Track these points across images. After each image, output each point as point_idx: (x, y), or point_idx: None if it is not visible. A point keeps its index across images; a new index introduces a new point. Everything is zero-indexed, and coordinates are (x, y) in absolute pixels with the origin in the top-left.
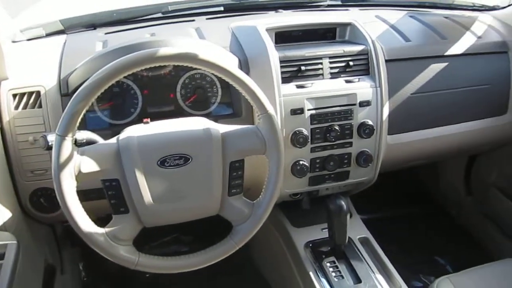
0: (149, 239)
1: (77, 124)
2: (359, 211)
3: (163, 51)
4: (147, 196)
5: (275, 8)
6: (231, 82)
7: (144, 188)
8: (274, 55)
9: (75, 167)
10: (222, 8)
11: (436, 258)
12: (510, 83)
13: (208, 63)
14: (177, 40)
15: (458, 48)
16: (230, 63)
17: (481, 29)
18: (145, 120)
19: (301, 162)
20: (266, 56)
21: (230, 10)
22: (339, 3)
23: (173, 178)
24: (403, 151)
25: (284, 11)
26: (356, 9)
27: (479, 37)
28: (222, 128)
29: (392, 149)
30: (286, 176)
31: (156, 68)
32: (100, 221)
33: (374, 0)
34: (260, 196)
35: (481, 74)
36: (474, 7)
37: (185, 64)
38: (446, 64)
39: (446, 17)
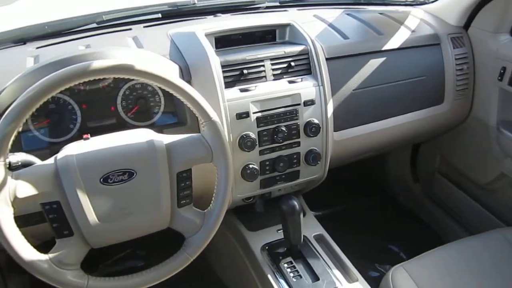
0: (101, 258)
1: (9, 147)
2: (313, 208)
3: (97, 64)
4: (91, 216)
5: (213, 12)
6: (171, 91)
7: (88, 208)
8: (215, 60)
9: (10, 193)
10: (159, 15)
11: (390, 246)
12: (444, 73)
13: (145, 74)
14: (113, 51)
15: (394, 43)
16: (169, 71)
17: (414, 23)
18: (85, 136)
19: (251, 166)
20: (207, 62)
21: (168, 16)
22: (277, 4)
23: (118, 195)
24: (350, 146)
25: (222, 15)
26: (294, 9)
27: (413, 31)
28: (166, 138)
29: (339, 145)
30: (236, 181)
31: (93, 81)
32: (47, 245)
33: (312, 0)
34: (211, 205)
35: (417, 67)
36: (407, 2)
37: (122, 76)
38: (383, 59)
39: (381, 13)
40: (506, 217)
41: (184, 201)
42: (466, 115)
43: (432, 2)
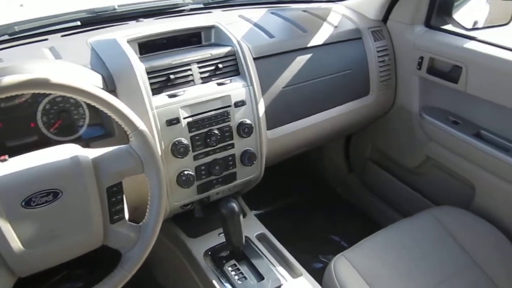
0: (35, 284)
1: None
2: (253, 207)
3: (8, 80)
4: (15, 243)
5: (135, 17)
6: (92, 103)
7: (10, 235)
8: (139, 67)
9: None
10: (78, 23)
11: (332, 236)
12: (368, 66)
13: (62, 87)
14: (27, 65)
15: (318, 39)
16: (88, 82)
17: (336, 19)
18: (1, 157)
19: (186, 172)
20: (130, 69)
21: (88, 24)
22: (202, 6)
23: (44, 218)
24: (284, 143)
25: (145, 20)
26: (219, 10)
27: (336, 27)
28: (92, 153)
29: (273, 143)
30: (172, 189)
31: (9, 97)
32: None
33: (236, 1)
34: (146, 217)
35: (342, 61)
36: None
37: (37, 91)
38: (309, 55)
39: (304, 11)
40: (434, 198)
41: (117, 216)
42: (391, 104)
43: None
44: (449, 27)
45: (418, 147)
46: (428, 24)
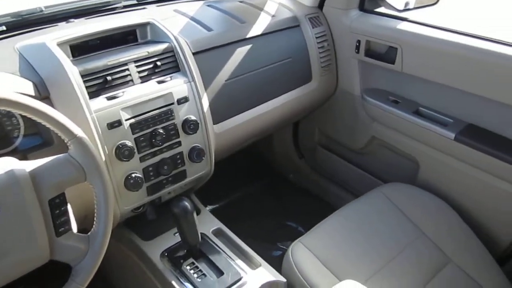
0: None
1: None
2: (208, 203)
3: None
4: None
5: (65, 18)
6: (24, 114)
7: None
8: (72, 70)
9: None
10: (4, 28)
11: (288, 223)
12: (308, 53)
13: None
14: None
15: (257, 29)
16: (15, 91)
17: (273, 8)
18: None
19: (133, 175)
20: (63, 74)
21: (14, 28)
22: (135, 2)
23: None
24: (232, 136)
25: (76, 20)
26: (153, 6)
27: (273, 16)
28: (29, 165)
29: (221, 137)
30: (121, 193)
31: None
32: None
33: None
34: (94, 226)
35: (282, 50)
36: None
37: None
38: (249, 46)
39: (241, 1)
40: (383, 176)
41: (63, 229)
42: (334, 88)
43: None
44: (382, 9)
45: (363, 128)
46: (362, 8)
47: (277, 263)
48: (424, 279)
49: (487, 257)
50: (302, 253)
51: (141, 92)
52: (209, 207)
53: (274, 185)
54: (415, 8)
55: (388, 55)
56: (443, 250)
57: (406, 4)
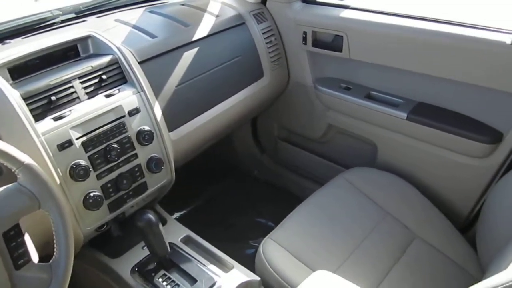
0: None
1: None
2: (174, 211)
3: None
4: None
5: (0, 39)
6: None
7: None
8: (13, 94)
9: None
10: None
11: (258, 219)
12: (257, 49)
13: None
14: None
15: (202, 31)
16: None
17: (216, 8)
18: None
19: (92, 194)
20: (4, 99)
21: None
22: (74, 16)
23: None
24: (190, 141)
25: (12, 41)
26: (93, 18)
27: (217, 16)
28: None
29: (179, 143)
30: (81, 214)
31: None
32: None
33: (110, 5)
34: (55, 254)
35: (230, 49)
36: None
37: None
38: (197, 49)
39: (183, 4)
40: (344, 162)
41: (22, 261)
42: (287, 81)
43: None
44: None
45: (319, 118)
46: None
47: (251, 262)
48: (394, 257)
49: (450, 228)
50: (273, 249)
51: (89, 109)
52: (176, 215)
53: (239, 183)
54: None
55: (335, 43)
56: (408, 227)
57: None
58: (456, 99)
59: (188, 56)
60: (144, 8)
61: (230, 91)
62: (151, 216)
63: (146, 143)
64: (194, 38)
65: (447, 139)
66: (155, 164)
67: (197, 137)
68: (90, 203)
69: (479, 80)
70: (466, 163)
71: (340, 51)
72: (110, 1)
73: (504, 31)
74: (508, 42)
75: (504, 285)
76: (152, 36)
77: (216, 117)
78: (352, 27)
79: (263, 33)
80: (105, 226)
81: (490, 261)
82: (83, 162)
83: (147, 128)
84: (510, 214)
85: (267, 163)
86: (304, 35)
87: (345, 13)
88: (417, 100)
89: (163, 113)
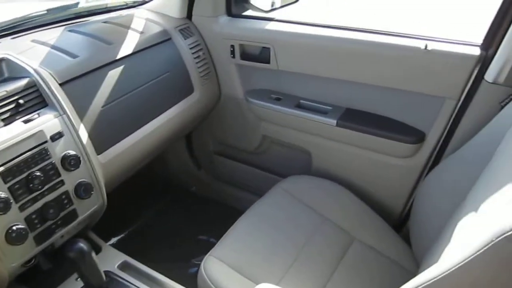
0: None
1: None
2: (110, 236)
3: None
4: None
5: None
6: None
7: None
8: None
9: None
10: None
11: (200, 237)
12: (185, 64)
13: None
14: None
15: (126, 49)
16: None
17: (141, 24)
18: None
19: (14, 227)
20: None
21: None
22: None
23: None
24: (121, 163)
25: None
26: (8, 39)
27: (142, 33)
28: None
29: (109, 166)
30: (4, 250)
31: None
32: None
33: (26, 25)
34: None
35: (158, 65)
36: (128, 5)
37: None
38: (122, 67)
39: (105, 22)
40: (279, 171)
41: None
42: (218, 95)
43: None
44: (250, 12)
45: (253, 129)
46: (230, 13)
47: (195, 281)
48: (334, 261)
49: (385, 227)
50: (214, 266)
51: (6, 136)
52: (113, 240)
53: (178, 201)
54: (280, 7)
55: (262, 55)
56: (346, 230)
57: (273, 4)
58: (381, 103)
59: (113, 75)
60: (63, 27)
61: (160, 109)
62: (82, 245)
63: (73, 168)
64: (119, 56)
65: (375, 142)
66: (84, 190)
67: (128, 158)
68: (13, 238)
69: (399, 84)
70: (394, 163)
71: (268, 62)
72: (26, 21)
73: (418, 37)
74: (423, 47)
75: (437, 278)
76: (73, 56)
77: (146, 136)
78: (278, 39)
79: (190, 48)
80: (32, 261)
81: (423, 255)
82: (2, 194)
83: (72, 152)
84: (437, 208)
85: (204, 179)
86: (231, 49)
87: (271, 26)
88: (345, 106)
89: (89, 136)
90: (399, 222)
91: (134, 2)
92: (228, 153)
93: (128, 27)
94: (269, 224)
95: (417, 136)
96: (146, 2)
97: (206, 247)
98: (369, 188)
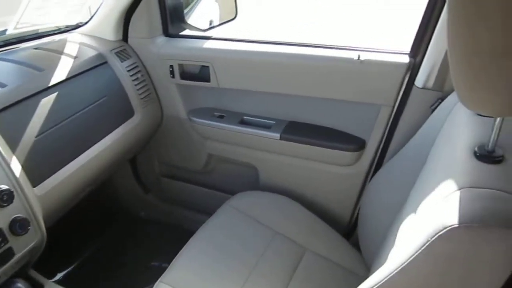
0: None
1: None
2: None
3: None
4: None
5: None
6: None
7: None
8: None
9: None
10: None
11: (152, 263)
12: (124, 87)
13: None
14: None
15: (59, 75)
16: None
17: (74, 49)
18: None
19: None
20: None
21: None
22: None
23: None
24: (60, 194)
25: None
26: None
27: (76, 57)
28: None
29: (46, 198)
30: None
31: None
32: None
33: None
34: None
35: (94, 90)
36: (61, 30)
37: None
38: (55, 94)
39: (36, 48)
40: (228, 189)
41: None
42: (161, 116)
43: (86, 23)
44: (187, 32)
45: (198, 149)
46: (167, 33)
47: None
48: (288, 274)
49: (335, 236)
50: None
51: None
52: (58, 276)
53: (127, 228)
54: (218, 25)
55: (202, 74)
56: (297, 242)
57: (211, 22)
58: (322, 114)
59: (46, 103)
60: None
61: (99, 135)
62: (20, 285)
63: (6, 204)
64: (51, 83)
65: (318, 153)
66: (19, 226)
67: (68, 188)
68: None
69: (337, 95)
70: (339, 172)
71: (209, 81)
72: None
73: (352, 48)
74: (356, 58)
75: (385, 279)
76: (2, 85)
77: (87, 164)
78: (217, 57)
79: (128, 71)
80: None
81: (372, 260)
82: None
83: (4, 187)
84: (381, 212)
85: (153, 202)
86: (171, 69)
87: (209, 44)
88: (287, 119)
89: (23, 168)
90: (349, 229)
91: (67, 27)
92: (175, 174)
93: (61, 53)
94: (220, 244)
95: (358, 144)
96: (80, 26)
97: (158, 273)
98: (317, 198)
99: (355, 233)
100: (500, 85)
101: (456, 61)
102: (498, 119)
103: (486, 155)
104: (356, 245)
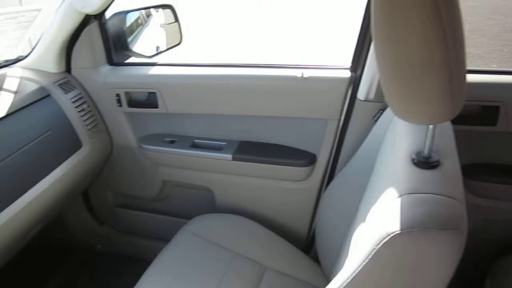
0: None
1: None
2: None
3: None
4: None
5: None
6: None
7: None
8: None
9: None
10: None
11: None
12: (69, 120)
13: None
14: None
15: None
16: None
17: (14, 84)
18: None
19: None
20: None
21: None
22: None
23: None
24: (6, 236)
25: None
26: None
27: (16, 92)
28: None
29: None
30: None
31: None
32: None
33: None
34: None
35: (37, 125)
36: (1, 65)
37: None
38: None
39: None
40: (186, 214)
41: None
42: (110, 146)
43: (27, 56)
44: (133, 59)
45: (152, 176)
46: (111, 62)
47: None
48: None
49: (294, 251)
50: None
51: None
52: None
53: (83, 264)
54: (164, 51)
55: (150, 100)
56: (258, 261)
57: (158, 48)
58: (271, 133)
59: None
60: None
61: (46, 169)
62: None
63: None
64: None
65: (271, 170)
66: None
67: (13, 229)
68: None
69: (285, 112)
70: (293, 187)
71: (157, 107)
72: None
73: (295, 66)
74: (299, 75)
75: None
76: None
77: (33, 202)
78: (163, 82)
79: (73, 102)
80: None
81: (331, 272)
82: None
83: None
84: (336, 224)
85: (109, 234)
86: (117, 97)
87: (154, 70)
88: (239, 139)
89: None
90: (307, 243)
91: (7, 61)
92: (129, 203)
93: (0, 89)
94: (178, 273)
95: (309, 159)
96: (20, 60)
97: None
98: (273, 216)
99: (314, 247)
100: (425, 96)
101: (385, 77)
102: (431, 126)
103: (423, 161)
104: (316, 259)
